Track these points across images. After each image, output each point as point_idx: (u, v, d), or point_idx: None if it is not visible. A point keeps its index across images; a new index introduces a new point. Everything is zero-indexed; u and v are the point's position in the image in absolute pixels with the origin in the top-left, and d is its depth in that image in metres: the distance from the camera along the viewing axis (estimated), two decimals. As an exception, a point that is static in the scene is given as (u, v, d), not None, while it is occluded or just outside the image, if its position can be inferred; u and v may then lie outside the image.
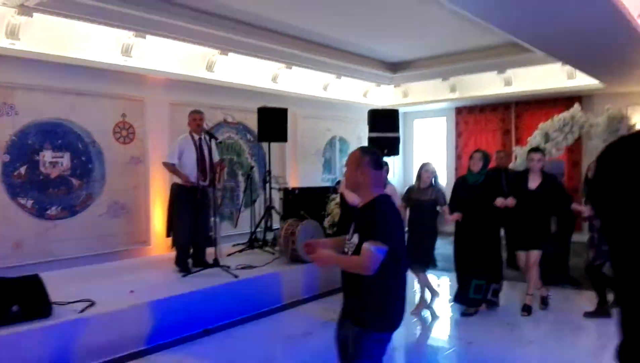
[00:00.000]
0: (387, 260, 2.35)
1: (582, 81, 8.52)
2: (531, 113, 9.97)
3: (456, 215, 5.17)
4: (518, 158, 7.76)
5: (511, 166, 7.68)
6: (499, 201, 5.04)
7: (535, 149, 5.39)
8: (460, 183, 5.43)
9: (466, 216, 5.15)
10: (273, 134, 7.32)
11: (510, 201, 5.03)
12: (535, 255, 5.22)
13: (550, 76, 8.96)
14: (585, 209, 5.00)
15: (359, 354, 2.45)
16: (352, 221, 2.61)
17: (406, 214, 5.33)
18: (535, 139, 7.65)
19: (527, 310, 5.30)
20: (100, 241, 6.46)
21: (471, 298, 5.27)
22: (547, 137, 7.56)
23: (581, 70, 7.54)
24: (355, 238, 2.48)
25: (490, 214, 5.16)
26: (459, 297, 5.42)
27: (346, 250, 2.55)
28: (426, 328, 5.23)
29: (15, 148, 5.78)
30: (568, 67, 8.37)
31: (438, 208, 5.35)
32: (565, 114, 7.64)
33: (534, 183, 5.16)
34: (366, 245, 2.34)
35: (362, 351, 2.45)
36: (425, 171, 5.35)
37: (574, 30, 5.24)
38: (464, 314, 5.32)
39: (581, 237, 8.44)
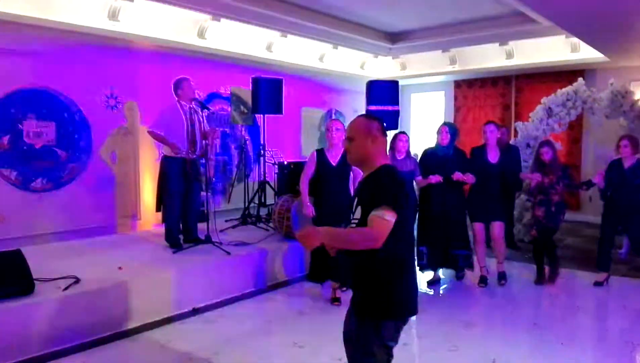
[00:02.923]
0: (392, 234, 2.10)
1: (586, 54, 8.27)
2: (532, 87, 9.73)
3: (438, 177, 5.08)
4: (519, 134, 7.56)
5: (512, 142, 7.50)
6: (456, 175, 5.09)
7: (489, 121, 5.51)
8: (430, 155, 5.40)
9: (437, 188, 5.15)
10: (268, 106, 7.06)
11: (469, 178, 5.08)
12: (499, 226, 5.37)
13: (553, 49, 8.69)
14: (534, 176, 5.30)
15: (360, 348, 2.24)
16: (354, 196, 2.39)
17: None
18: (537, 114, 7.45)
19: (504, 277, 5.48)
20: (88, 215, 6.24)
21: (460, 266, 5.50)
22: (550, 112, 7.36)
23: (587, 42, 7.28)
24: (358, 212, 2.26)
25: (460, 186, 5.29)
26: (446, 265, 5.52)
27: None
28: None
29: (-3, 116, 5.50)
30: (572, 40, 8.12)
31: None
32: (569, 89, 7.42)
33: (493, 156, 5.31)
34: (373, 213, 2.10)
35: (362, 344, 2.23)
36: (399, 140, 5.28)
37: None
38: (431, 282, 5.53)
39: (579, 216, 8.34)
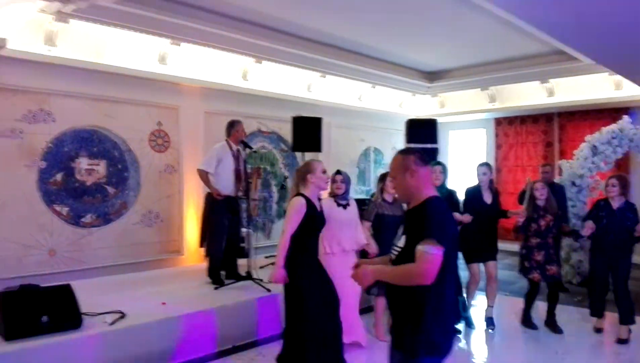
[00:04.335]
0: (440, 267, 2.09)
1: (631, 91, 8.12)
2: (575, 125, 9.57)
3: None
4: (564, 172, 7.40)
5: (556, 180, 7.35)
6: (456, 216, 4.90)
7: (483, 163, 5.47)
8: None
9: None
10: (307, 144, 7.17)
11: (466, 218, 4.98)
12: (494, 265, 5.35)
13: (596, 86, 8.59)
14: (521, 212, 5.17)
15: None
16: (402, 225, 2.37)
17: (369, 232, 4.81)
18: (582, 152, 7.30)
19: (492, 323, 5.35)
20: (134, 250, 6.42)
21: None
22: (595, 150, 7.20)
23: (631, 79, 7.15)
24: (402, 241, 2.24)
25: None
26: None
27: (392, 257, 2.32)
28: (466, 353, 4.93)
29: (52, 154, 5.79)
30: (616, 77, 8.01)
31: None
32: (614, 127, 7.27)
33: (488, 197, 5.31)
34: (420, 247, 2.07)
35: None
36: (390, 181, 4.95)
37: (627, 37, 4.94)
38: None
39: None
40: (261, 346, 4.76)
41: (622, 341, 4.90)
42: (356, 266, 2.41)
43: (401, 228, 2.37)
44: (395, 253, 2.31)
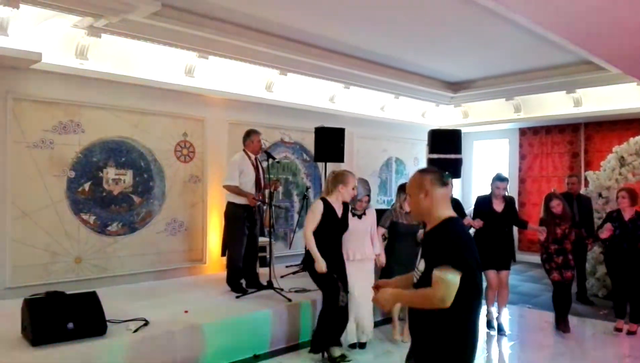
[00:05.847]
0: (460, 291, 2.08)
1: (660, 101, 7.95)
2: (602, 135, 9.39)
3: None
4: (590, 184, 7.27)
5: (582, 191, 7.23)
6: (466, 221, 5.21)
7: (498, 178, 5.65)
8: None
9: None
10: (329, 154, 7.21)
11: (477, 223, 5.23)
12: (507, 274, 5.53)
13: (624, 96, 8.42)
14: (541, 229, 5.47)
15: None
16: (420, 248, 2.39)
17: (383, 242, 5.10)
18: (609, 163, 7.16)
19: (502, 329, 5.49)
20: (158, 258, 6.53)
21: None
22: (622, 161, 7.05)
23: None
24: (422, 265, 2.25)
25: None
26: None
27: (414, 280, 2.32)
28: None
29: (81, 164, 5.95)
30: (645, 87, 7.85)
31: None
32: (643, 137, 7.12)
33: (499, 206, 5.52)
34: (437, 273, 2.08)
35: None
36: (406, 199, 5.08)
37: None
38: None
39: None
40: (282, 355, 4.77)
41: (631, 333, 5.37)
42: (376, 288, 2.42)
43: (420, 250, 2.37)
44: (417, 276, 2.31)
